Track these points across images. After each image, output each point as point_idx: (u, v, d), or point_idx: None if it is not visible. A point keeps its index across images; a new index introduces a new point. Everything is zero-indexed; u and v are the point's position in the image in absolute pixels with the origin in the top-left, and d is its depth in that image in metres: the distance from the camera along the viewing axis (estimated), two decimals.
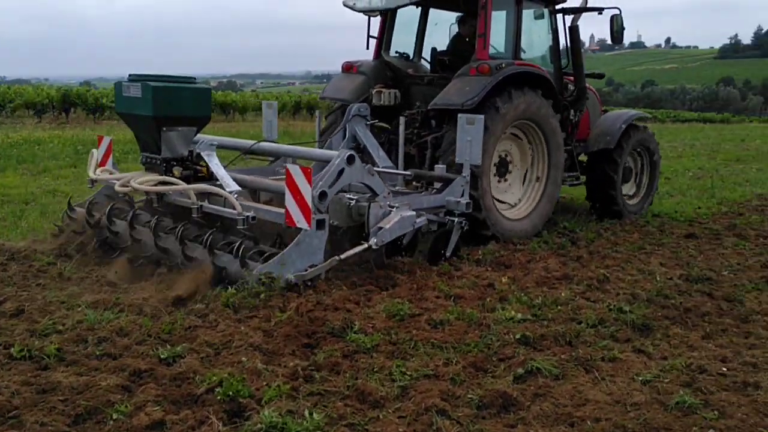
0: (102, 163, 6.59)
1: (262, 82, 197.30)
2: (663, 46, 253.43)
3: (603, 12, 8.18)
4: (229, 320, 4.49)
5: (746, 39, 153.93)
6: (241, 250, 5.10)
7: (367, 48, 8.31)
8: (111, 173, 6.44)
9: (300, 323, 4.40)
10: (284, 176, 5.44)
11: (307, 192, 5.13)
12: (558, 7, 8.27)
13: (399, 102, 7.90)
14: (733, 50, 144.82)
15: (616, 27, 8.25)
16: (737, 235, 8.11)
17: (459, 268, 6.15)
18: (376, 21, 8.34)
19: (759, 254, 7.14)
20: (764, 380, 3.87)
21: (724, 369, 4.06)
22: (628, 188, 9.23)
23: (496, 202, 7.30)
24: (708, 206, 10.11)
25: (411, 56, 8.55)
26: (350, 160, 5.57)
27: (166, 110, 5.80)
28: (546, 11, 8.23)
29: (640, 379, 3.88)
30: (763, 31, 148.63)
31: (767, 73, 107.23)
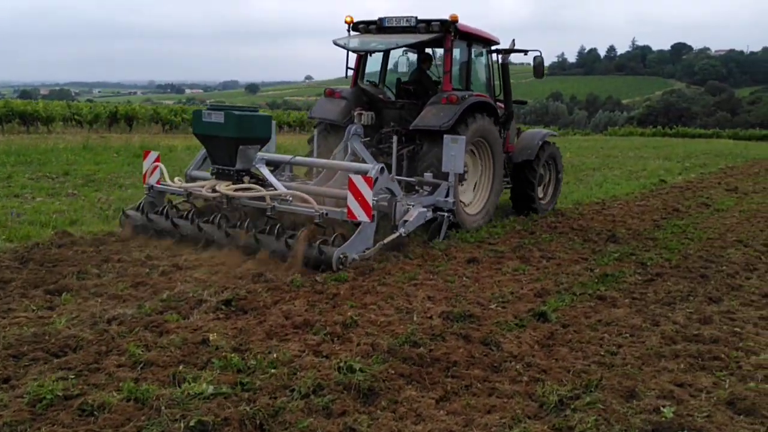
0: (147, 174, 8.06)
1: (100, 91, 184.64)
2: None
3: (528, 53, 10.59)
4: None
5: (572, 57, 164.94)
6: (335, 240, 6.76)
7: (346, 77, 10.00)
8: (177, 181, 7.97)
9: None
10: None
11: (369, 194, 6.72)
12: (493, 47, 10.34)
13: (374, 122, 9.32)
14: (560, 67, 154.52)
15: (537, 64, 10.49)
16: (521, 257, 7.65)
17: (186, 317, 5.05)
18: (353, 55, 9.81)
19: (536, 280, 6.64)
20: None
21: None
22: (540, 191, 11.14)
23: (460, 203, 8.97)
24: (504, 224, 9.70)
25: (377, 84, 10.20)
26: (382, 170, 7.25)
27: (244, 133, 7.30)
28: (484, 51, 10.25)
29: None
30: (586, 51, 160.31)
31: (590, 89, 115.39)
